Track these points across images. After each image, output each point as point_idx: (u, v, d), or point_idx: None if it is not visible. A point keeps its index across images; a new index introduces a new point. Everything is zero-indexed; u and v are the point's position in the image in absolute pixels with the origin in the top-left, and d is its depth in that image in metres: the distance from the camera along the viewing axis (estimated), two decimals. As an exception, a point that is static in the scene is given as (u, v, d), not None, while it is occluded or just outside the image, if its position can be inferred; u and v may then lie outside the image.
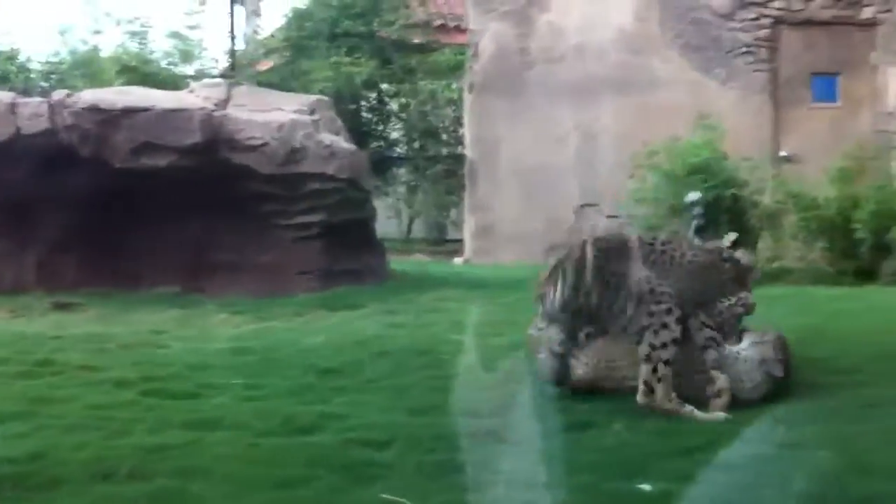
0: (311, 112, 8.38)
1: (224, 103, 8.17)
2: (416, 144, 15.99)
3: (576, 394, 4.12)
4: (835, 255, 8.73)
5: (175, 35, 17.23)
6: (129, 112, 7.64)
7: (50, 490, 2.99)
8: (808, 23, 11.70)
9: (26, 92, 9.48)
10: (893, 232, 8.56)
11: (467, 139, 12.22)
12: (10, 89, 9.66)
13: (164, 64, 16.66)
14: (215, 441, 3.51)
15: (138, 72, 15.38)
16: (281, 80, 15.39)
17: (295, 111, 8.28)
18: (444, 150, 15.77)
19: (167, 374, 4.76)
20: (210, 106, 7.92)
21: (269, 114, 8.11)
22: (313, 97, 9.10)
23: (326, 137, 8.10)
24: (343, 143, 8.32)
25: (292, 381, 4.59)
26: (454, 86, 15.04)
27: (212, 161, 7.64)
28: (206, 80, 10.54)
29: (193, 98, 8.19)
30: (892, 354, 4.28)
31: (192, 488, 2.97)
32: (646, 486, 2.93)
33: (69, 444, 3.42)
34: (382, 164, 16.02)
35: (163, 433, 3.61)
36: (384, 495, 2.91)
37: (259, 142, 7.72)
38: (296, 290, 7.71)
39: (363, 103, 16.14)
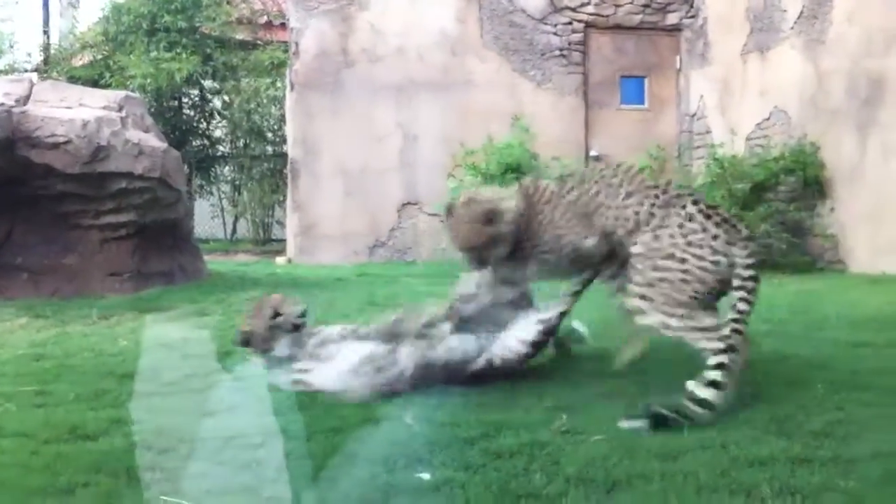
0: (120, 109, 8.12)
1: (25, 99, 7.82)
2: (241, 143, 15.77)
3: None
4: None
5: (-16, 28, 16.41)
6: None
7: None
8: (618, 27, 12.27)
9: None
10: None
11: (289, 138, 12.15)
12: None
13: (-30, 58, 15.87)
14: (-6, 450, 3.38)
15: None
16: (97, 76, 14.90)
17: (102, 108, 8.00)
18: (270, 149, 15.63)
19: (-49, 384, 4.53)
20: (10, 102, 7.54)
21: (73, 110, 7.82)
22: (122, 93, 8.82)
23: (135, 135, 7.88)
24: (153, 140, 8.11)
25: (87, 386, 4.46)
26: (278, 83, 14.92)
27: (11, 159, 7.29)
28: (7, 76, 10.03)
29: (-8, 93, 7.78)
30: (671, 344, 4.53)
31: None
32: (425, 475, 3.02)
33: None
34: (205, 163, 15.74)
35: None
36: (164, 498, 2.88)
37: (62, 139, 7.43)
38: (104, 292, 7.49)
39: (185, 100, 15.81)
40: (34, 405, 4.13)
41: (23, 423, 3.78)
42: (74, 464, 3.21)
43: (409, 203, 11.69)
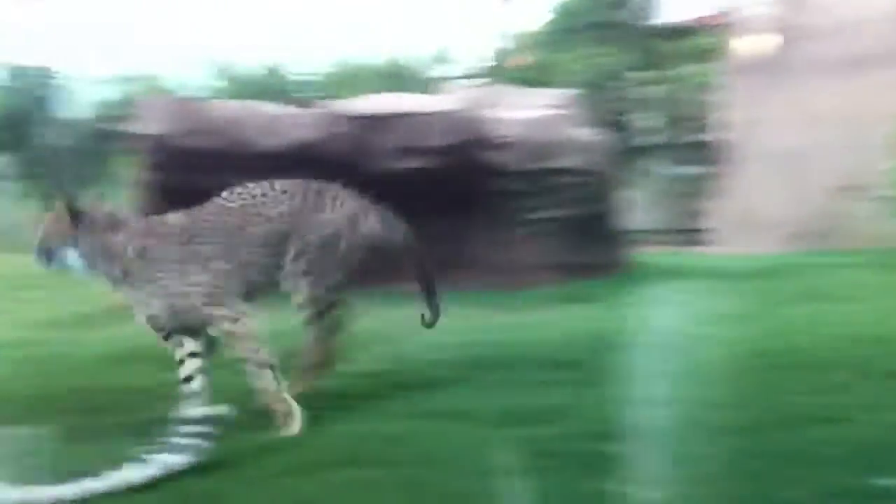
0: (564, 107, 8.56)
1: (478, 104, 8.50)
2: (668, 132, 15.76)
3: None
4: None
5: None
6: (389, 118, 8.13)
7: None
8: None
9: (300, 103, 9.84)
10: None
11: (721, 122, 11.92)
12: (286, 102, 10.20)
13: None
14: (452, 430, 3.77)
15: (397, 78, 16.38)
16: (537, 75, 15.73)
17: (545, 107, 8.49)
18: (697, 137, 15.48)
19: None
20: (464, 107, 8.27)
21: (519, 111, 8.36)
22: (563, 91, 9.28)
23: (576, 131, 8.27)
24: (592, 135, 8.45)
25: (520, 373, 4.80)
26: (707, 70, 14.73)
27: (465, 161, 7.93)
28: (461, 83, 11.00)
29: (450, 100, 8.56)
30: None
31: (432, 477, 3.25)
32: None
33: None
34: (633, 154, 15.99)
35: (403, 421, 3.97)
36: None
37: (510, 139, 8.00)
38: (533, 283, 7.77)
39: (616, 93, 16.17)
40: (482, 389, 4.49)
41: (480, 408, 4.08)
42: (530, 446, 3.46)
43: (846, 187, 10.97)
